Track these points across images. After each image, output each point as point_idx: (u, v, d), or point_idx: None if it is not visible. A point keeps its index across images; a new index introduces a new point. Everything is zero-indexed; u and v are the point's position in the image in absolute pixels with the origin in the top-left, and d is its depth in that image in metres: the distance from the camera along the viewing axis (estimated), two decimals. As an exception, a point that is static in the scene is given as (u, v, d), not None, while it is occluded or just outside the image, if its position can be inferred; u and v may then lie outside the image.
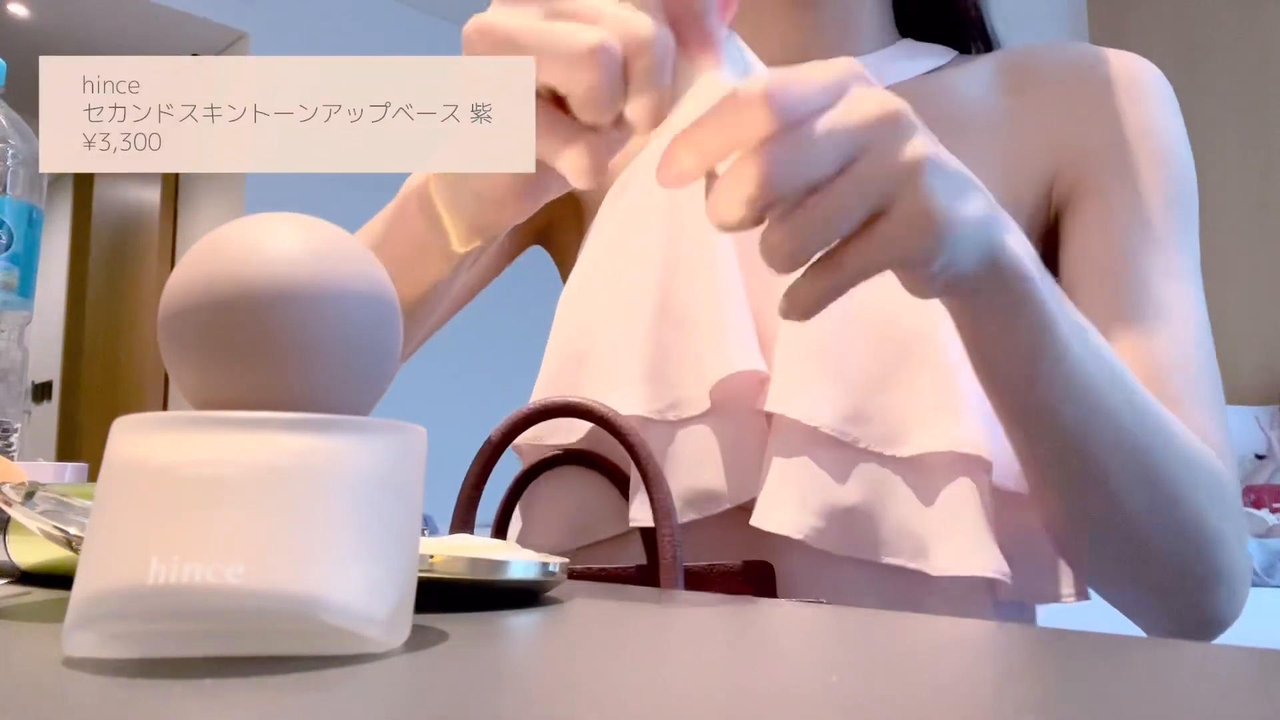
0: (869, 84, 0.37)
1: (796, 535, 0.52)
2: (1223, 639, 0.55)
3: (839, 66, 0.37)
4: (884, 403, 0.54)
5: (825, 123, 0.35)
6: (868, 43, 0.66)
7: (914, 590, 0.54)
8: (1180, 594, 0.53)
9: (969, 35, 0.70)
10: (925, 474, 0.54)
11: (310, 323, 0.26)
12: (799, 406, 0.54)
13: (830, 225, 0.36)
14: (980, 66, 0.66)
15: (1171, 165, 0.61)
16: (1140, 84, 0.62)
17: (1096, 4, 3.55)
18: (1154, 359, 0.56)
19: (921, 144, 0.37)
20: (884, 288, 0.56)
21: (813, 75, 0.36)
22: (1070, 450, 0.49)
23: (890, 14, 0.69)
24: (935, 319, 0.55)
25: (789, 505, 0.53)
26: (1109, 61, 0.63)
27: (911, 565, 0.53)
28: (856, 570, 0.54)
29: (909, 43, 0.68)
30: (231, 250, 0.27)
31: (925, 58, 0.66)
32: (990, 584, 0.55)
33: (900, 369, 0.55)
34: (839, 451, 0.54)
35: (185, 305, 0.27)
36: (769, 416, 0.56)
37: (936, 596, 0.54)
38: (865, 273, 0.38)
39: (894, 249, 0.38)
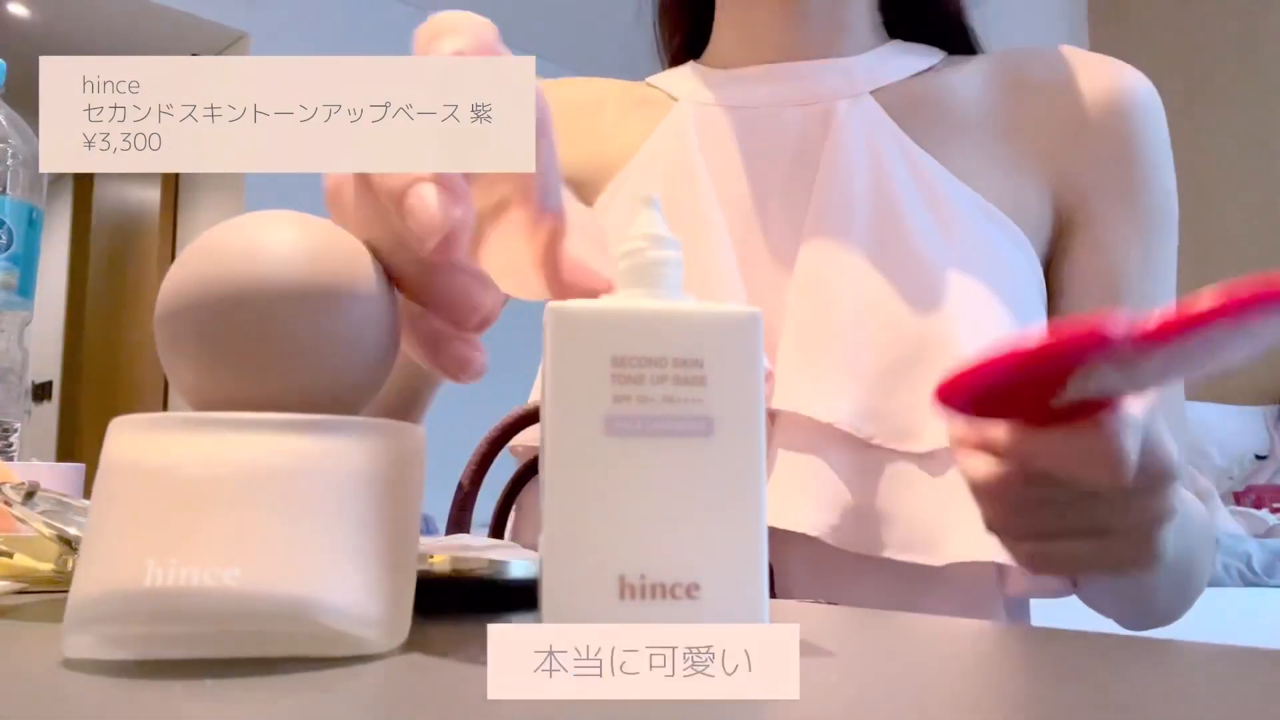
0: None
1: (814, 533, 0.52)
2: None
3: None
4: (895, 400, 0.54)
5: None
6: (860, 42, 0.66)
7: (920, 585, 0.54)
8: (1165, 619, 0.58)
9: (952, 36, 0.70)
10: (939, 469, 0.54)
11: (307, 322, 0.26)
12: (810, 403, 0.54)
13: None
14: (974, 67, 0.66)
15: (1159, 184, 0.62)
16: (1129, 99, 0.62)
17: (1096, 3, 3.55)
18: None
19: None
20: (890, 286, 0.56)
21: None
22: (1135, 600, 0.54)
23: (879, 15, 0.69)
24: (946, 317, 0.55)
25: (802, 503, 0.53)
26: (1099, 73, 0.63)
27: (923, 560, 0.53)
28: (859, 567, 0.54)
29: (900, 43, 0.68)
30: (228, 249, 0.27)
31: (916, 57, 0.67)
32: (1000, 577, 0.55)
33: (912, 367, 0.55)
34: (851, 448, 0.54)
35: (182, 304, 0.26)
36: (772, 415, 0.56)
37: (944, 589, 0.54)
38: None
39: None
